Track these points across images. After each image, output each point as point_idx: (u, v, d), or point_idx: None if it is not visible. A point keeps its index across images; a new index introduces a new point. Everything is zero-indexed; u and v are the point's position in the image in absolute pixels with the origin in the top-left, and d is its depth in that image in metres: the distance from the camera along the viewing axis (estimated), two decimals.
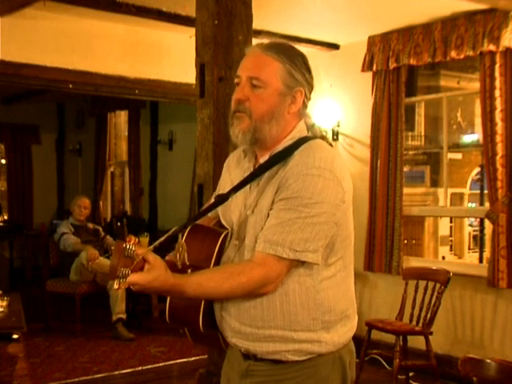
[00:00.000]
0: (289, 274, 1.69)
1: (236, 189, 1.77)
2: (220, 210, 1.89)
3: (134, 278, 1.54)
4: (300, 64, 1.77)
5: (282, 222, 1.65)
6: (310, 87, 1.81)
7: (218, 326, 1.81)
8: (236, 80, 1.79)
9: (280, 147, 1.76)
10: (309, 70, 1.80)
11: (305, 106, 1.81)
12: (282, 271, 1.66)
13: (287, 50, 1.79)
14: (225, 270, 1.70)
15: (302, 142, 1.74)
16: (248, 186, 1.79)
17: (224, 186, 1.90)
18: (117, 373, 4.98)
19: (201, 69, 3.03)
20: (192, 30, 3.23)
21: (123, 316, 6.04)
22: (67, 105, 10.21)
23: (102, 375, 4.91)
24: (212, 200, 1.99)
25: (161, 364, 5.22)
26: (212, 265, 1.75)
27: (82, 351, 5.54)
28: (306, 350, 1.72)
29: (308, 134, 1.79)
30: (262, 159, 1.81)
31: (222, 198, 1.79)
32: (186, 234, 1.77)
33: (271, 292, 1.69)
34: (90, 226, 6.72)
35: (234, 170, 1.92)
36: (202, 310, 1.72)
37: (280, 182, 1.70)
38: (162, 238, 1.67)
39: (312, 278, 1.71)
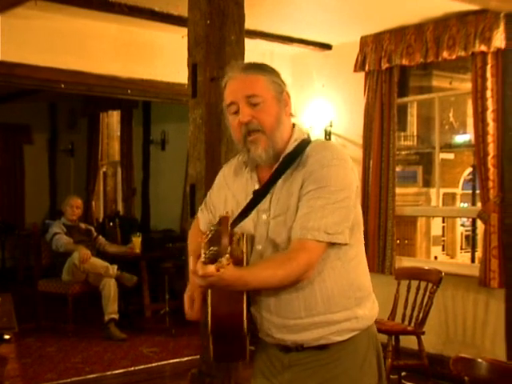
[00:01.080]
0: (323, 262, 1.83)
1: (270, 184, 1.86)
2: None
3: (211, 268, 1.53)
4: (272, 70, 1.92)
5: (314, 209, 1.78)
6: (286, 85, 1.94)
7: (256, 328, 1.92)
8: (232, 109, 1.88)
9: (288, 150, 1.89)
10: (277, 72, 1.93)
11: (290, 103, 1.94)
12: (320, 254, 1.80)
13: (258, 65, 1.93)
14: (274, 259, 1.80)
15: (305, 142, 1.90)
16: (256, 194, 1.89)
17: (225, 196, 2.00)
18: (109, 373, 4.97)
19: (193, 69, 3.03)
20: (184, 30, 3.23)
21: (115, 316, 6.02)
22: (59, 105, 10.18)
23: (94, 376, 4.89)
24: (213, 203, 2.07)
25: (153, 364, 5.20)
26: (245, 263, 1.80)
27: (74, 351, 5.53)
28: (346, 328, 1.87)
29: (304, 135, 1.94)
30: (267, 166, 1.89)
31: (261, 194, 1.88)
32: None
33: (310, 277, 1.81)
34: (83, 226, 6.70)
35: (232, 182, 2.00)
36: (245, 313, 1.77)
37: (303, 178, 1.82)
38: (226, 238, 1.60)
39: (341, 261, 1.86)
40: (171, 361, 5.29)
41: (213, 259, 1.50)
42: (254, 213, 1.88)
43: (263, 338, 1.95)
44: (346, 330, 1.87)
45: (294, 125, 1.96)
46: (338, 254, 1.85)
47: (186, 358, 5.25)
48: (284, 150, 1.89)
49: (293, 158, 1.87)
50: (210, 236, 1.53)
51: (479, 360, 2.10)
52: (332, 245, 1.81)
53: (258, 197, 1.88)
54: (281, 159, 1.88)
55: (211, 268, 1.50)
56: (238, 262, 1.70)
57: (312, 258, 1.77)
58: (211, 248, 1.50)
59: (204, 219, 2.09)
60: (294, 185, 1.83)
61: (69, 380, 4.77)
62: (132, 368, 5.08)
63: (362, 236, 1.95)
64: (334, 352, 1.87)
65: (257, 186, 1.91)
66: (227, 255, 1.50)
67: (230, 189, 2.00)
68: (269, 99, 1.86)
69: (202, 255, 1.52)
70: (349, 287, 1.88)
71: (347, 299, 1.87)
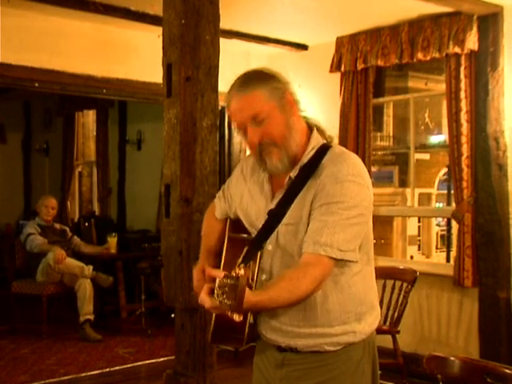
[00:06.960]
0: None
1: (287, 203, 1.85)
2: (244, 219, 1.99)
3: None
4: (268, 76, 1.87)
5: (326, 224, 1.77)
6: (288, 84, 1.90)
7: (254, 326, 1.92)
8: (241, 132, 1.87)
9: (305, 159, 1.87)
10: (276, 74, 1.89)
11: (296, 101, 1.90)
12: (332, 269, 1.80)
13: (253, 76, 1.87)
14: (290, 277, 1.75)
15: (324, 149, 1.89)
16: (270, 197, 1.91)
17: (241, 190, 2.01)
18: (84, 374, 4.94)
19: (168, 68, 3.01)
20: (160, 30, 3.21)
21: (91, 317, 5.99)
22: (34, 103, 10.05)
23: (68, 377, 4.86)
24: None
25: (129, 365, 5.19)
26: (257, 269, 1.82)
27: (48, 353, 5.48)
28: (342, 341, 1.88)
29: (322, 139, 1.93)
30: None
31: (277, 213, 1.86)
32: (226, 247, 1.87)
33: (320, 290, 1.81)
34: (57, 226, 6.65)
35: (250, 177, 2.02)
36: (248, 318, 1.79)
37: (316, 190, 1.82)
38: (241, 301, 1.58)
39: (345, 275, 1.86)
40: (147, 361, 5.28)
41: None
42: (266, 215, 1.89)
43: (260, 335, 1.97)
44: (341, 343, 1.88)
45: (311, 129, 1.93)
46: (343, 269, 1.85)
47: (161, 359, 5.24)
48: (300, 158, 1.87)
49: (311, 169, 1.85)
50: (227, 284, 1.52)
51: (452, 358, 2.13)
52: (340, 260, 1.80)
53: (277, 216, 1.86)
54: (297, 171, 1.86)
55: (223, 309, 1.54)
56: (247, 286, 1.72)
57: (325, 273, 1.78)
58: (226, 301, 1.51)
59: (220, 207, 2.12)
60: (308, 196, 1.83)
61: (43, 382, 4.73)
62: (107, 369, 5.06)
63: (371, 251, 1.95)
64: (328, 357, 1.88)
65: (268, 188, 1.92)
66: (238, 314, 1.52)
67: (246, 183, 2.02)
68: (272, 111, 1.82)
69: (215, 296, 1.53)
70: (350, 302, 1.88)
71: (347, 314, 1.87)
